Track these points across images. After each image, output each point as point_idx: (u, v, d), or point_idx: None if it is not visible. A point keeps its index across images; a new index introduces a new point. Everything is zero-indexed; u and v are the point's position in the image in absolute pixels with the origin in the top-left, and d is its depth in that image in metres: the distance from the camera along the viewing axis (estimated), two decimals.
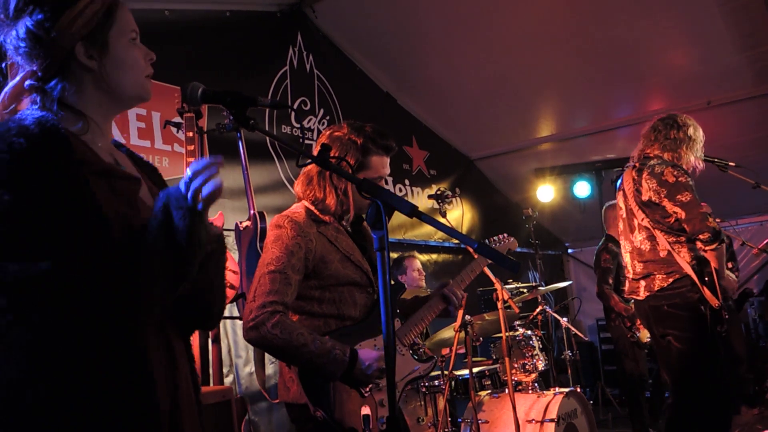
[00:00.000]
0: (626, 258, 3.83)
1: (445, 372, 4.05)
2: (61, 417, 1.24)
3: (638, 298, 3.72)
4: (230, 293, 3.50)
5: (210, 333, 3.71)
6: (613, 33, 5.66)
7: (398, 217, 5.90)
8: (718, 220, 4.83)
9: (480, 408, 4.28)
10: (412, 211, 1.56)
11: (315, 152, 1.80)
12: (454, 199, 7.42)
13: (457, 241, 7.09)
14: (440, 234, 6.93)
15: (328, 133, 2.42)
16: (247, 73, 5.15)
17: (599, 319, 8.29)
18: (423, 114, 7.14)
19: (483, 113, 6.99)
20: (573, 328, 6.04)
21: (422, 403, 4.14)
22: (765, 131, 6.49)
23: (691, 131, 3.71)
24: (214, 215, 3.64)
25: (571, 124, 7.25)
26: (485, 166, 8.06)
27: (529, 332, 4.78)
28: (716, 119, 6.17)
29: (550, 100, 6.91)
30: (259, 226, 3.55)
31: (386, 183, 2.41)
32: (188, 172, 1.32)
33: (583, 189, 7.82)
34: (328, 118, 5.82)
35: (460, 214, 7.47)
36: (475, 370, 4.58)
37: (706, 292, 3.44)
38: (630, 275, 3.79)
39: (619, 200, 3.89)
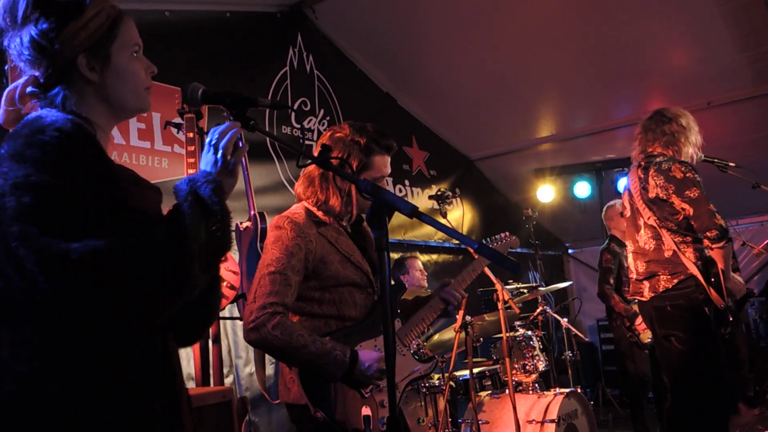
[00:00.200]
0: (630, 258, 3.81)
1: (446, 373, 4.05)
2: (68, 416, 1.26)
3: (642, 299, 3.69)
4: (230, 294, 3.51)
5: (210, 333, 3.71)
6: (613, 33, 5.66)
7: (398, 218, 5.89)
8: None
9: (480, 408, 4.28)
10: (412, 211, 1.56)
11: (316, 153, 1.80)
12: (454, 200, 7.42)
13: (457, 242, 7.09)
14: (440, 234, 6.93)
15: (329, 134, 2.42)
16: (248, 74, 5.15)
17: (599, 320, 8.29)
18: (423, 114, 7.14)
19: (483, 113, 6.99)
20: (573, 329, 6.03)
21: (423, 403, 4.14)
22: (765, 131, 6.49)
23: (683, 121, 3.69)
24: None
25: (571, 125, 7.25)
26: (485, 167, 8.05)
27: (529, 333, 4.78)
28: (716, 119, 6.17)
29: (550, 101, 6.91)
30: (259, 226, 3.56)
31: (386, 183, 2.41)
32: (211, 134, 1.46)
33: (583, 189, 7.82)
34: (328, 118, 5.82)
35: (460, 215, 7.47)
36: (475, 370, 4.59)
37: (712, 293, 3.41)
38: (633, 276, 3.76)
39: (625, 200, 3.87)
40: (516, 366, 4.61)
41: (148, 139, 4.24)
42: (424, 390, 4.11)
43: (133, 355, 1.35)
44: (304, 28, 5.77)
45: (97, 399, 1.29)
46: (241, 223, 3.68)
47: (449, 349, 4.24)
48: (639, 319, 4.98)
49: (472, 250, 1.92)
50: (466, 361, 4.04)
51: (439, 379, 4.26)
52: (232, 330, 4.51)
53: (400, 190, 6.62)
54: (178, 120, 3.57)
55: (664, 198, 3.53)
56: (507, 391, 4.08)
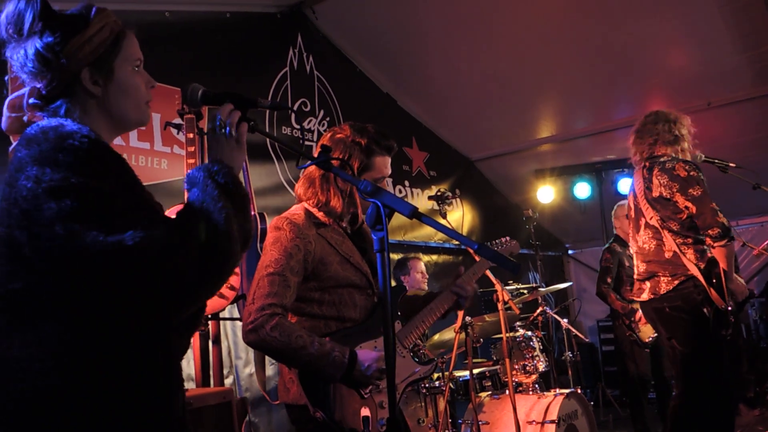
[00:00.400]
0: (633, 258, 3.84)
1: (446, 373, 4.05)
2: (80, 414, 1.28)
3: (642, 299, 3.71)
4: (230, 294, 3.50)
5: (210, 334, 3.71)
6: (613, 34, 5.67)
7: (398, 219, 5.90)
8: None
9: (480, 409, 4.28)
10: (412, 212, 1.56)
11: (316, 154, 1.80)
12: (454, 201, 7.41)
13: (457, 243, 7.09)
14: (440, 235, 6.93)
15: (329, 135, 2.42)
16: (248, 75, 5.15)
17: (600, 320, 8.29)
18: (423, 115, 7.14)
19: (483, 114, 6.99)
20: (573, 329, 6.04)
21: (423, 404, 4.14)
22: (765, 132, 6.49)
23: (685, 122, 3.73)
24: None
25: (572, 125, 7.25)
26: (485, 167, 8.05)
27: (529, 333, 4.78)
28: (716, 120, 6.17)
29: (550, 101, 6.91)
30: (259, 227, 3.55)
31: (386, 184, 2.41)
32: (216, 118, 1.55)
33: (583, 190, 7.82)
34: (328, 119, 5.82)
35: (460, 216, 7.46)
36: (475, 371, 4.58)
37: (713, 294, 3.41)
38: (635, 276, 3.79)
39: (630, 201, 3.89)
40: (516, 367, 4.61)
41: (148, 139, 4.23)
42: (424, 391, 4.11)
43: (145, 355, 1.37)
44: (304, 28, 5.77)
45: (109, 398, 1.31)
46: None
47: (449, 349, 4.24)
48: (638, 316, 5.01)
49: (472, 251, 1.92)
50: (466, 361, 4.05)
51: (439, 379, 4.26)
52: (232, 331, 4.51)
53: (400, 191, 6.62)
54: (178, 121, 3.57)
55: (668, 197, 3.54)
56: (507, 391, 4.08)
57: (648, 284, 3.66)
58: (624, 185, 7.37)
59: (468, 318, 3.94)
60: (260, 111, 1.76)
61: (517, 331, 4.84)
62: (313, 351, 2.11)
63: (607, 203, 7.68)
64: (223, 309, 3.57)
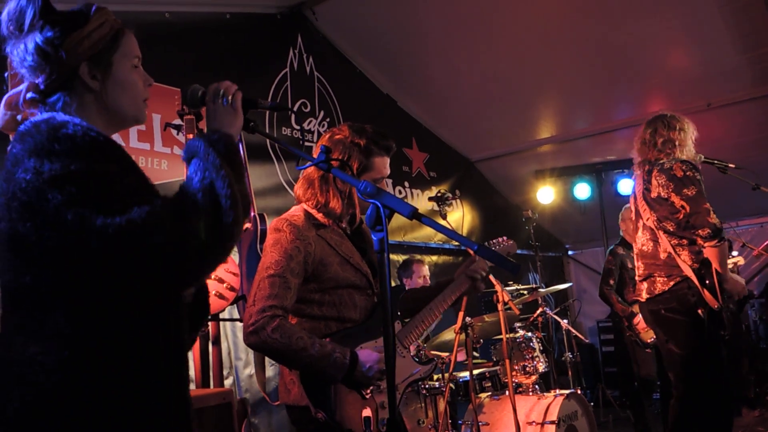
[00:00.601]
0: (635, 260, 3.86)
1: (446, 374, 4.05)
2: (95, 406, 1.29)
3: (641, 300, 3.74)
4: (230, 295, 3.50)
5: (210, 335, 3.71)
6: (613, 34, 5.67)
7: (398, 219, 5.90)
8: None
9: (480, 410, 4.27)
10: (412, 213, 1.56)
11: (315, 155, 1.80)
12: (454, 201, 7.42)
13: (457, 243, 7.08)
14: (440, 236, 6.93)
15: (328, 135, 2.42)
16: (248, 75, 5.15)
17: (599, 321, 8.29)
18: (423, 115, 7.14)
19: (483, 115, 6.99)
20: (573, 330, 6.04)
21: (423, 405, 4.14)
22: (765, 132, 6.49)
23: (688, 127, 3.74)
24: None
25: (572, 126, 7.25)
26: (485, 168, 8.05)
27: (529, 334, 4.78)
28: (716, 120, 6.17)
29: (550, 102, 6.91)
30: (259, 228, 3.55)
31: (386, 185, 2.41)
32: (214, 91, 1.60)
33: (583, 191, 7.82)
34: (328, 120, 5.82)
35: (460, 216, 7.46)
36: (475, 372, 4.58)
37: (706, 294, 3.43)
38: (636, 277, 3.82)
39: (631, 203, 3.93)
40: (516, 367, 4.60)
41: (148, 140, 4.23)
42: (424, 391, 4.11)
43: (153, 348, 1.39)
44: (304, 29, 5.77)
45: (124, 390, 1.32)
46: None
47: (449, 350, 4.24)
48: (637, 318, 5.03)
49: (472, 252, 1.91)
50: (466, 362, 4.04)
51: (439, 380, 4.26)
52: (232, 332, 4.50)
53: (400, 192, 6.62)
54: (177, 121, 3.57)
55: (665, 197, 3.57)
56: (507, 392, 4.08)
57: (645, 285, 3.69)
58: (624, 186, 7.37)
59: (468, 319, 3.94)
60: (260, 112, 1.76)
61: (517, 331, 4.84)
62: (314, 352, 2.11)
63: (607, 204, 7.69)
64: (223, 310, 3.57)
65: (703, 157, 3.87)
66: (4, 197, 1.31)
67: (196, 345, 3.55)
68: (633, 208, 3.88)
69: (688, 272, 3.49)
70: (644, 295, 3.69)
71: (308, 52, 5.76)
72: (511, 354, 4.45)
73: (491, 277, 3.66)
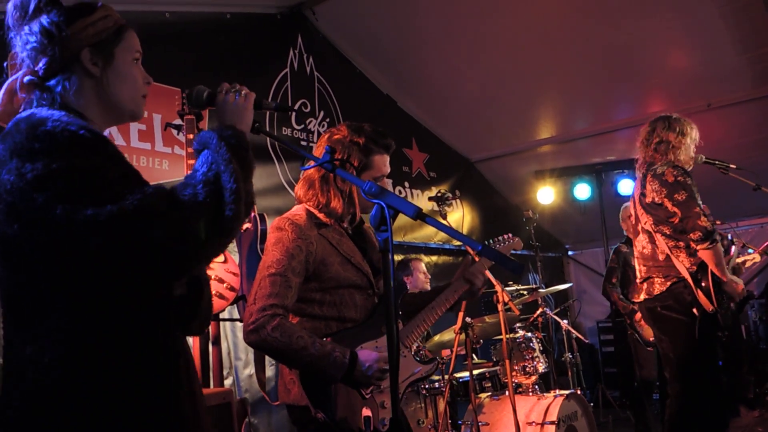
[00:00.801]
0: (637, 263, 3.90)
1: (446, 374, 4.05)
2: (91, 403, 1.29)
3: (639, 300, 3.79)
4: (230, 295, 3.50)
5: (210, 335, 3.70)
6: (612, 34, 5.67)
7: (398, 219, 5.86)
8: (718, 222, 4.87)
9: (480, 410, 4.27)
10: (416, 213, 1.56)
11: (316, 155, 1.80)
12: (454, 202, 7.41)
13: (458, 243, 7.09)
14: (441, 236, 6.93)
15: (327, 136, 2.42)
16: (248, 75, 5.14)
17: (599, 322, 8.29)
18: (423, 116, 7.14)
19: (483, 115, 6.99)
20: (573, 331, 6.04)
21: (423, 405, 4.14)
22: (765, 133, 6.49)
23: (686, 129, 3.75)
24: None
25: (571, 126, 7.25)
26: (485, 168, 8.05)
27: (529, 334, 4.78)
28: (716, 121, 6.17)
29: (550, 102, 6.90)
30: (259, 228, 3.55)
31: (386, 183, 2.42)
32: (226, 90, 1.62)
33: (583, 191, 7.81)
34: (328, 120, 5.82)
35: (460, 217, 7.47)
36: (475, 372, 4.58)
37: (700, 296, 3.48)
38: (637, 278, 3.86)
39: (631, 206, 3.96)
40: (516, 368, 4.60)
41: (149, 140, 4.23)
42: (424, 392, 4.11)
43: (153, 347, 1.38)
44: (304, 29, 5.77)
45: (123, 385, 1.32)
46: None
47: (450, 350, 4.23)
48: (638, 316, 5.07)
49: (473, 252, 1.91)
50: (466, 362, 4.04)
51: (439, 380, 4.26)
52: (231, 332, 4.50)
53: (400, 192, 6.62)
54: (178, 122, 3.56)
55: (659, 202, 3.61)
56: (507, 392, 4.08)
57: (644, 286, 3.74)
58: (624, 186, 7.37)
59: (468, 319, 3.94)
60: (262, 112, 1.77)
61: (517, 332, 4.84)
62: (314, 351, 2.11)
63: (607, 204, 7.68)
64: (223, 310, 3.57)
65: (704, 157, 3.89)
66: None
67: (196, 345, 3.55)
68: (632, 212, 3.91)
69: (685, 273, 3.54)
70: (643, 296, 3.73)
71: (308, 52, 5.76)
72: (511, 354, 4.45)
73: (491, 277, 3.66)
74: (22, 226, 1.27)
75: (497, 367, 4.84)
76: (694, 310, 3.49)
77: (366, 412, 2.13)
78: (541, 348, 4.82)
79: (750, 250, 4.67)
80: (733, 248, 4.37)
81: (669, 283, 3.58)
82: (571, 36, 5.73)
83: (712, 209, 5.34)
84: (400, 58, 6.28)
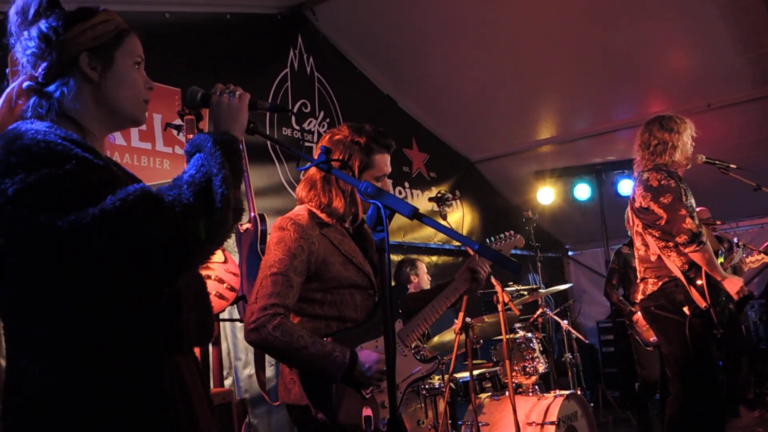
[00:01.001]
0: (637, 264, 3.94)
1: (446, 375, 4.05)
2: (82, 414, 1.28)
3: (638, 300, 3.84)
4: (230, 295, 3.50)
5: None
6: (613, 35, 5.67)
7: (398, 220, 5.90)
8: (718, 222, 4.87)
9: (480, 411, 4.27)
10: (412, 213, 1.56)
11: (315, 156, 1.80)
12: (454, 202, 7.41)
13: (457, 244, 7.08)
14: (440, 236, 6.93)
15: (328, 136, 2.43)
16: (248, 76, 5.15)
17: (600, 322, 8.29)
18: (423, 116, 7.14)
19: (483, 115, 6.99)
20: (573, 331, 6.04)
21: (422, 405, 4.14)
22: (765, 133, 6.49)
23: (681, 126, 3.76)
24: None
25: (572, 127, 7.25)
26: (485, 169, 8.05)
27: (529, 335, 4.78)
28: (716, 121, 6.17)
29: (550, 102, 6.90)
30: (259, 228, 3.55)
31: (386, 182, 2.43)
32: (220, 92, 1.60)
33: (583, 191, 7.81)
34: (328, 120, 5.82)
35: (460, 217, 7.46)
36: (475, 372, 4.58)
37: (693, 293, 3.51)
38: (637, 279, 3.90)
39: (628, 208, 3.97)
40: (516, 368, 4.60)
41: (149, 140, 4.24)
42: (424, 392, 4.11)
43: (138, 364, 1.36)
44: (304, 29, 5.77)
45: (110, 398, 1.30)
46: (241, 224, 3.67)
47: (449, 351, 4.23)
48: (636, 316, 5.10)
49: (472, 252, 1.92)
50: (466, 363, 4.04)
51: (439, 380, 4.26)
52: (231, 332, 4.50)
53: (400, 192, 6.62)
54: (178, 122, 3.56)
55: (646, 206, 3.65)
56: (507, 393, 4.08)
57: (641, 286, 3.79)
58: (624, 187, 7.37)
59: (468, 319, 3.94)
60: (260, 113, 1.77)
61: (517, 332, 4.84)
62: (314, 351, 2.12)
63: (608, 205, 7.68)
64: (223, 310, 3.57)
65: (704, 157, 3.90)
66: None
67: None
68: (629, 215, 3.94)
69: (677, 272, 3.58)
70: (639, 296, 3.79)
71: (308, 52, 5.76)
72: (511, 354, 4.45)
73: (491, 277, 3.66)
74: (8, 243, 1.27)
75: (497, 368, 4.84)
76: (685, 309, 3.52)
77: (366, 411, 2.13)
78: (541, 348, 4.82)
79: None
80: (738, 249, 4.39)
81: (660, 283, 3.63)
82: (571, 36, 5.72)
83: (712, 209, 5.36)
84: (400, 58, 6.28)
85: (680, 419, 3.58)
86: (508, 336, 4.00)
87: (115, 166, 1.58)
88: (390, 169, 2.45)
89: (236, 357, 4.54)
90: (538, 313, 5.67)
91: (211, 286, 3.38)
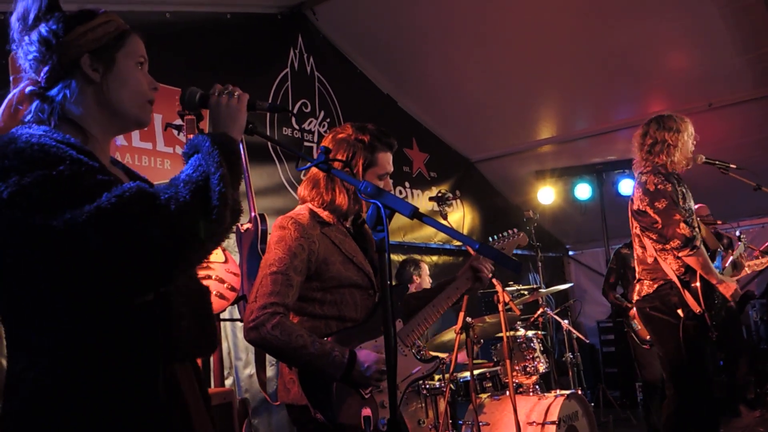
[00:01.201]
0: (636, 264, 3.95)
1: (446, 374, 4.05)
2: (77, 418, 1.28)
3: (634, 300, 3.87)
4: (231, 295, 3.50)
5: None
6: (613, 34, 5.67)
7: (398, 219, 5.90)
8: (719, 222, 4.87)
9: (481, 410, 4.27)
10: (412, 213, 1.56)
11: (316, 156, 1.80)
12: (454, 202, 7.41)
13: (458, 243, 7.09)
14: (441, 236, 6.93)
15: (331, 135, 2.44)
16: (248, 75, 5.15)
17: (600, 322, 8.29)
18: (423, 116, 7.14)
19: (483, 115, 6.99)
20: (574, 331, 6.04)
21: (423, 405, 4.14)
22: (766, 133, 6.49)
23: (680, 125, 3.75)
24: None
25: (572, 126, 7.25)
26: (486, 169, 8.05)
27: (530, 334, 4.77)
28: (717, 121, 6.17)
29: (550, 102, 6.90)
30: (259, 228, 3.55)
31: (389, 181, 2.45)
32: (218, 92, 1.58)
33: (583, 191, 7.81)
34: (328, 120, 5.82)
35: (460, 217, 7.46)
36: (476, 372, 4.58)
37: (688, 297, 3.52)
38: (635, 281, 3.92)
39: (629, 209, 3.97)
40: (516, 368, 4.60)
41: (150, 140, 4.24)
42: (425, 391, 4.11)
43: (132, 370, 1.35)
44: (304, 29, 5.77)
45: (106, 401, 1.30)
46: (241, 224, 3.67)
47: (450, 350, 4.24)
48: (632, 312, 5.12)
49: (472, 251, 1.92)
50: (467, 362, 4.04)
51: (439, 380, 4.26)
52: (231, 332, 4.50)
53: (401, 192, 6.62)
54: (178, 122, 3.55)
55: (643, 209, 3.66)
56: (507, 392, 4.07)
57: (638, 287, 3.80)
58: (625, 186, 7.37)
59: (468, 319, 3.94)
60: (260, 113, 1.76)
61: (518, 332, 4.83)
62: (313, 350, 2.12)
63: (608, 204, 7.69)
64: (224, 310, 3.57)
65: (704, 157, 3.89)
66: None
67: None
68: (629, 215, 3.95)
69: (672, 276, 3.59)
70: (636, 296, 3.80)
71: (309, 52, 5.76)
72: (511, 354, 4.44)
73: (492, 277, 3.66)
74: (6, 245, 1.27)
75: (498, 367, 4.83)
76: (679, 311, 3.53)
77: (365, 411, 2.13)
78: (542, 348, 4.82)
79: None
80: (740, 244, 4.39)
81: (656, 286, 3.64)
82: (571, 36, 5.72)
83: (712, 209, 5.36)
84: (400, 58, 6.28)
85: (676, 421, 3.59)
86: (508, 335, 3.99)
87: (120, 168, 1.58)
88: (392, 168, 2.46)
89: (237, 357, 4.54)
90: (539, 312, 5.67)
91: (212, 286, 3.38)
